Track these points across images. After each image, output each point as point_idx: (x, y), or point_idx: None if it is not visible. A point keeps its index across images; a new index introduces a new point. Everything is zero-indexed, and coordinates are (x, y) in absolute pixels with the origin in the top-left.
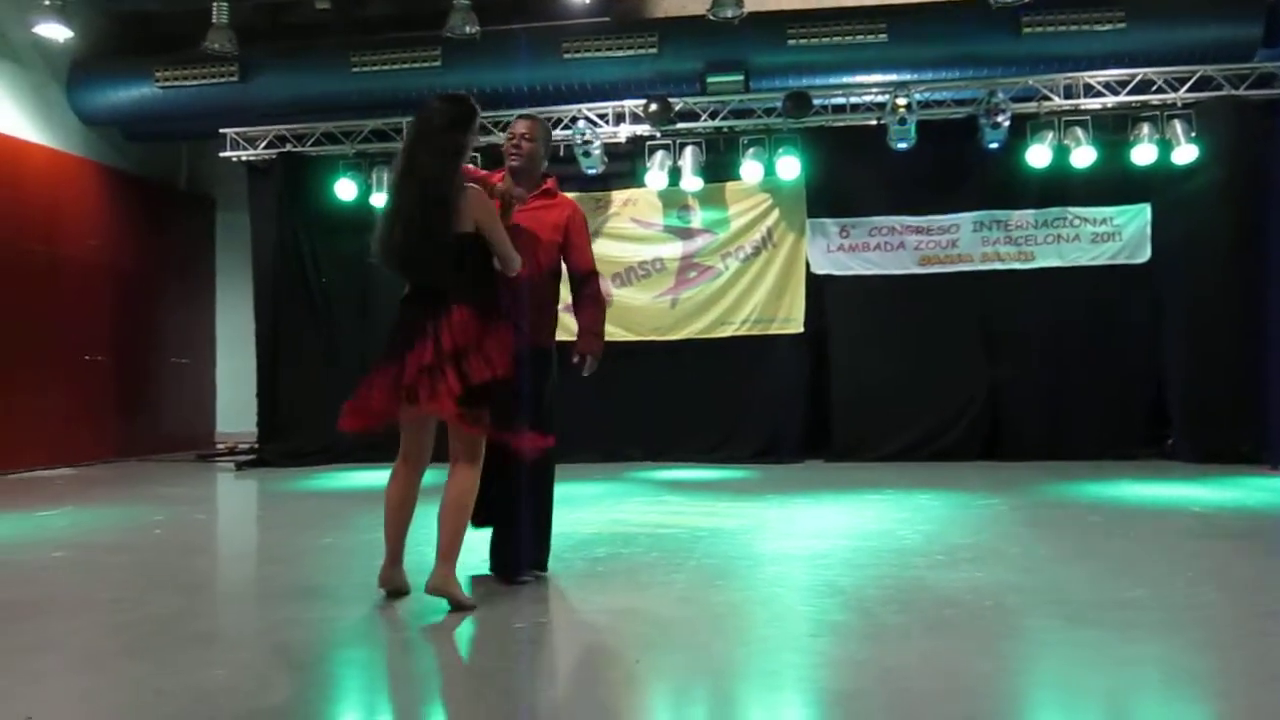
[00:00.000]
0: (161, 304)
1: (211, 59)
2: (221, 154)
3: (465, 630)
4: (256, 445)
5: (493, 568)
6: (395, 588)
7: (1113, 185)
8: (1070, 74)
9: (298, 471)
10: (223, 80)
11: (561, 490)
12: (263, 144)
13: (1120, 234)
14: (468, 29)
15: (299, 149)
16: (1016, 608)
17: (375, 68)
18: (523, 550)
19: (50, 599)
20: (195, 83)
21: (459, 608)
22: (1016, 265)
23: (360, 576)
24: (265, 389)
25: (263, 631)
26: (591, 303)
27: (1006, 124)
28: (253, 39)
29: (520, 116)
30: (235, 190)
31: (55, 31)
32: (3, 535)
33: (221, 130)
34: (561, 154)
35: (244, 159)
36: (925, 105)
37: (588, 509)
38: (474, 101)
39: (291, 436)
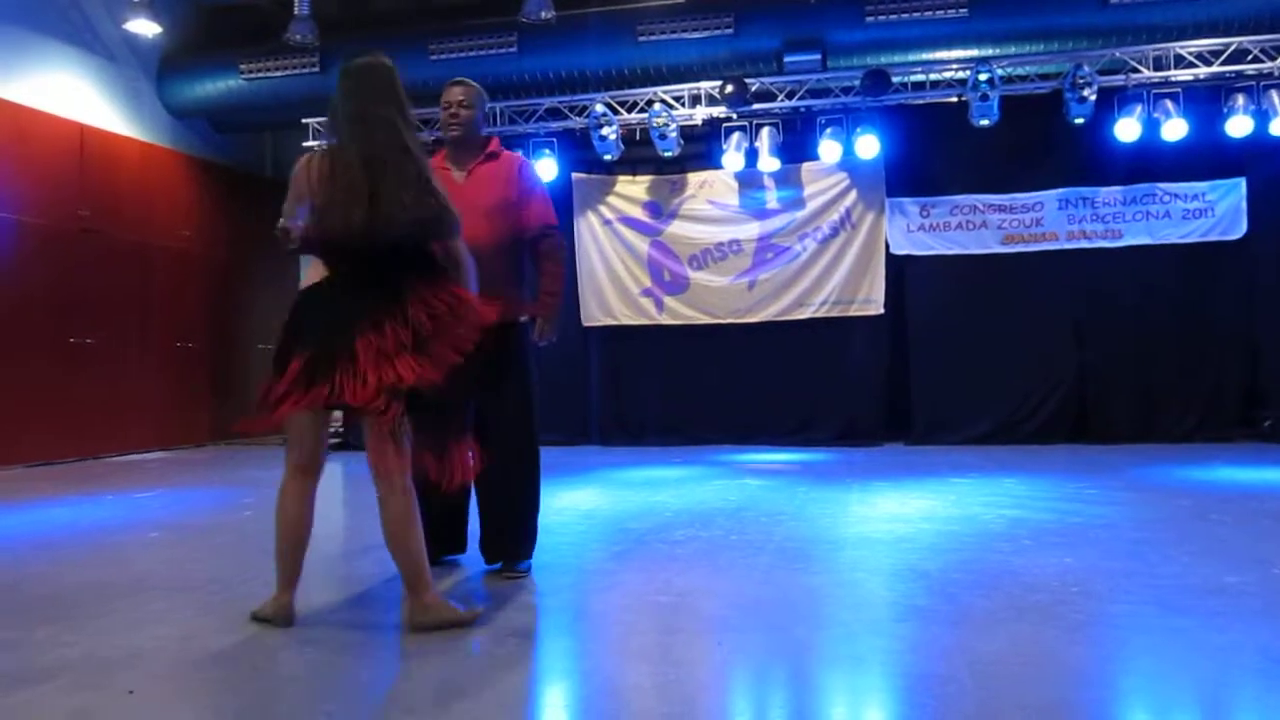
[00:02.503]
0: (248, 291)
1: (293, 50)
2: (304, 144)
3: (546, 612)
4: (340, 429)
5: (487, 558)
6: (288, 619)
7: (1205, 159)
8: (1160, 45)
9: None
10: (304, 71)
11: (641, 473)
12: None
13: (1213, 210)
14: (543, 14)
15: None
16: (1106, 593)
17: (453, 55)
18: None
19: (148, 579)
20: (278, 74)
21: (460, 624)
22: (1104, 243)
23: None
24: None
25: (349, 614)
26: (548, 261)
27: (1093, 98)
28: (333, 29)
29: (453, 83)
30: None
31: (145, 27)
32: (102, 517)
33: (304, 120)
34: (638, 137)
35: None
36: (1008, 80)
37: (667, 491)
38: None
39: None
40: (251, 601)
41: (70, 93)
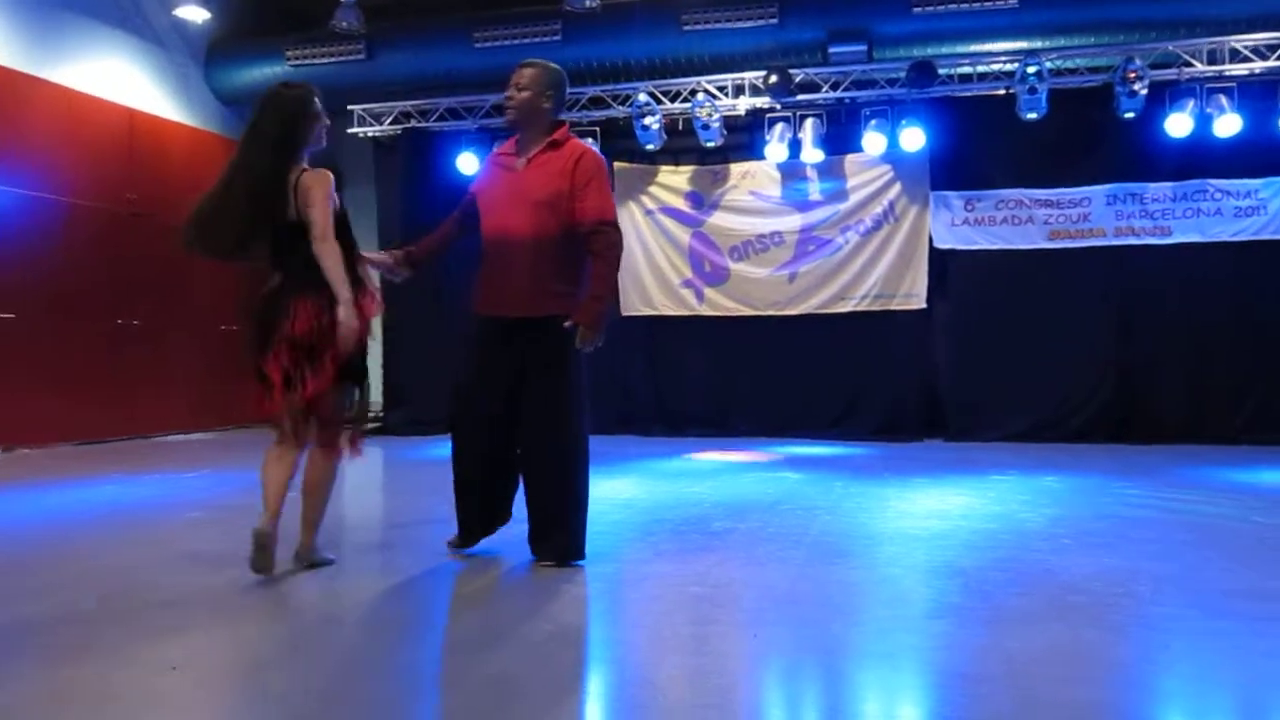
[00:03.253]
0: None
1: (339, 37)
2: (348, 130)
3: (581, 601)
4: (380, 414)
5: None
6: (267, 541)
7: (1259, 156)
8: (1214, 38)
9: (419, 440)
10: (350, 58)
11: (679, 464)
12: (388, 120)
13: (1266, 208)
14: (587, 2)
15: (422, 124)
16: (1147, 595)
17: (497, 43)
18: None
19: (189, 557)
20: (324, 61)
21: (326, 563)
22: (1152, 240)
23: (482, 544)
24: (388, 359)
25: (387, 595)
26: (597, 261)
27: (1144, 92)
28: (379, 16)
29: (521, 63)
30: (361, 165)
31: (194, 13)
32: (146, 495)
33: (349, 107)
34: (680, 127)
35: (370, 135)
36: (1057, 73)
37: (705, 483)
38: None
39: (413, 405)
40: (290, 582)
41: (120, 78)
